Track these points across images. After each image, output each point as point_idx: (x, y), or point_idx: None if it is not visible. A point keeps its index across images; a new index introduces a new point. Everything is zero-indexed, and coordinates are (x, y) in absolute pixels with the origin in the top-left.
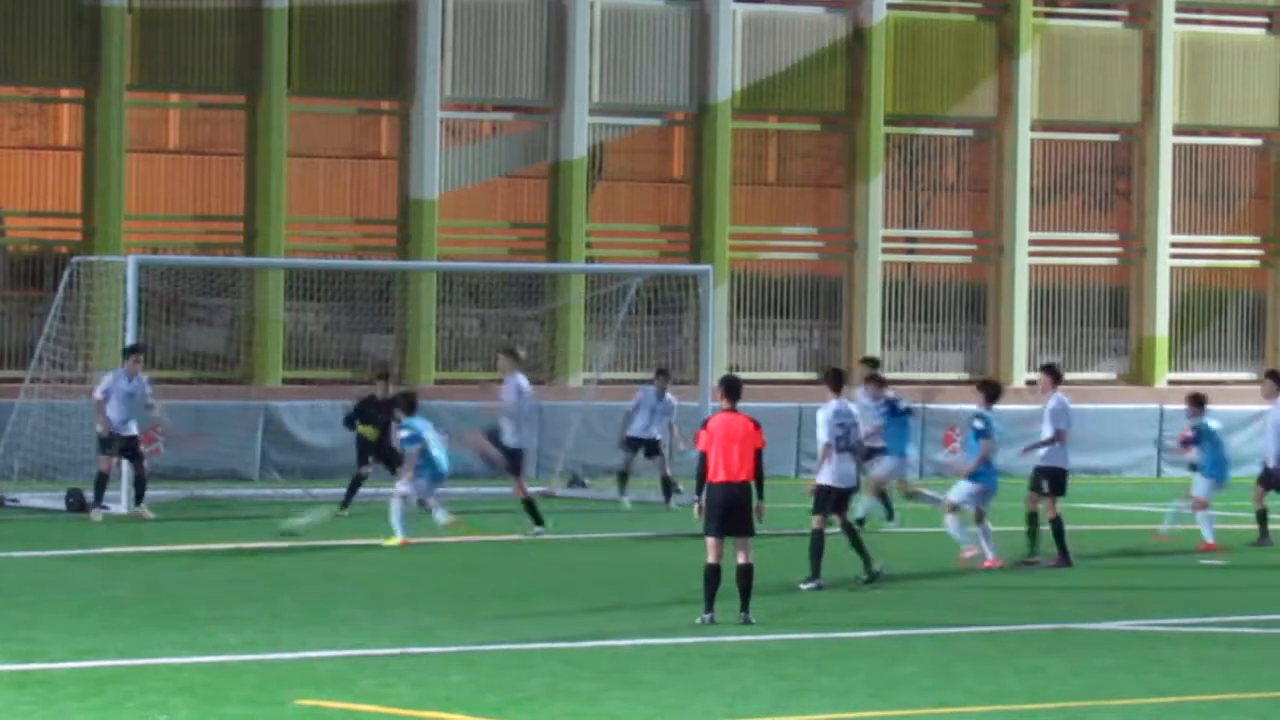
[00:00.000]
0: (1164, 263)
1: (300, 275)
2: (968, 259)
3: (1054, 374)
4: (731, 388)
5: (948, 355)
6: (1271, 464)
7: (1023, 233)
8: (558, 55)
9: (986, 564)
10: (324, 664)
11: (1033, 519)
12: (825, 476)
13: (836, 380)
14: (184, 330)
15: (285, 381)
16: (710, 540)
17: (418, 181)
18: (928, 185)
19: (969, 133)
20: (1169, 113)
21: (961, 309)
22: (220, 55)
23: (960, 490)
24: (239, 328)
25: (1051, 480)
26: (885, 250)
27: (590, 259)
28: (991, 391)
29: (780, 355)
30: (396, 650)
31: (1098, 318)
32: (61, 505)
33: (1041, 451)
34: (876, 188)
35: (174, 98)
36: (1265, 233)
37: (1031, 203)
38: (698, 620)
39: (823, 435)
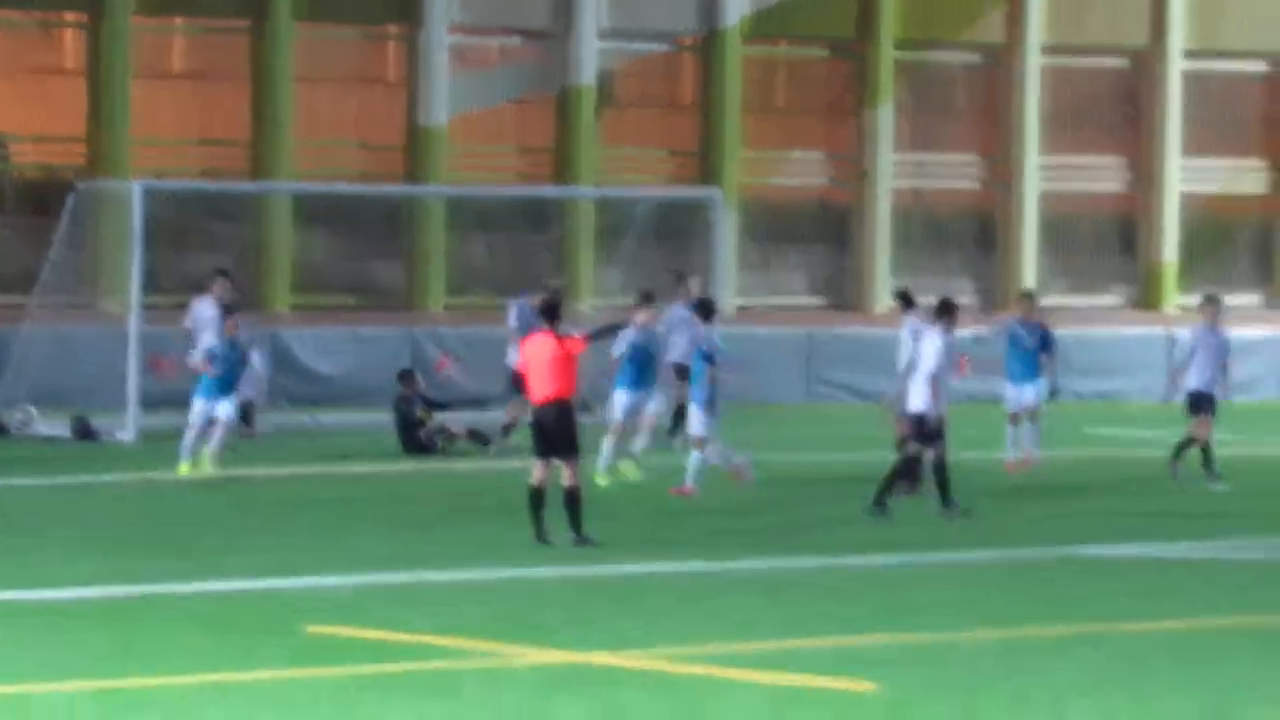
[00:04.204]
0: (1173, 188)
1: (307, 201)
2: (977, 185)
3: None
4: (547, 309)
5: (957, 281)
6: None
7: (1032, 158)
8: None
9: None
10: (336, 592)
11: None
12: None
13: (941, 309)
14: (190, 256)
15: (292, 309)
16: (535, 461)
17: (425, 107)
18: (937, 111)
19: (978, 58)
20: (1179, 36)
21: (971, 235)
22: None
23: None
24: (246, 254)
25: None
26: (895, 176)
27: (599, 184)
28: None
29: (789, 281)
30: (410, 577)
31: (1107, 243)
32: (67, 433)
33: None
34: (886, 113)
35: (179, 22)
36: (1275, 158)
37: (1040, 128)
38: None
39: (930, 364)
